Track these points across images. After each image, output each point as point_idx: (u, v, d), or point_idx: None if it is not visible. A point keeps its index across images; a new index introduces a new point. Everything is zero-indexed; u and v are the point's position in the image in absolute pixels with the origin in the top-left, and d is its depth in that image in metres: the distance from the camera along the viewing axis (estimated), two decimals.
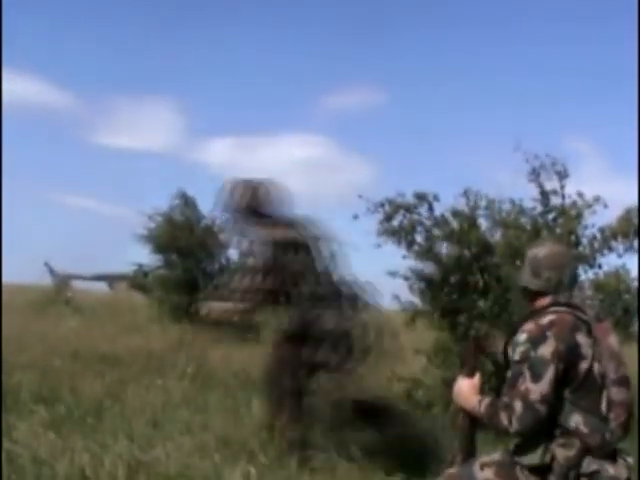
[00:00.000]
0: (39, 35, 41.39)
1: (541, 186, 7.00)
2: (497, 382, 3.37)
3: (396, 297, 7.41)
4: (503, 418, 3.02)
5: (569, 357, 3.04)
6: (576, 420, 3.05)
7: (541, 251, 3.33)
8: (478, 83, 43.91)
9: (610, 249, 7.11)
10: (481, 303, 6.93)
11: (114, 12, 45.05)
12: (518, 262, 6.53)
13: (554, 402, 3.02)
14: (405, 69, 45.03)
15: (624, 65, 41.01)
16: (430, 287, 7.22)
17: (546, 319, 3.12)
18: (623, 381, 3.11)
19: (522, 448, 3.15)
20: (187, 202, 16.68)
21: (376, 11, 45.80)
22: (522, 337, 3.11)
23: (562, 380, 3.03)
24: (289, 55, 45.97)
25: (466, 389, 3.28)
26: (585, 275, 7.21)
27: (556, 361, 3.01)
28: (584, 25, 42.12)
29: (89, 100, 51.75)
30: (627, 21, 37.95)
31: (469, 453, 3.35)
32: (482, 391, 3.27)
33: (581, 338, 3.10)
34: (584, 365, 3.07)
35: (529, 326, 3.12)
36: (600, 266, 7.19)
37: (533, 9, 42.14)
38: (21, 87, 41.71)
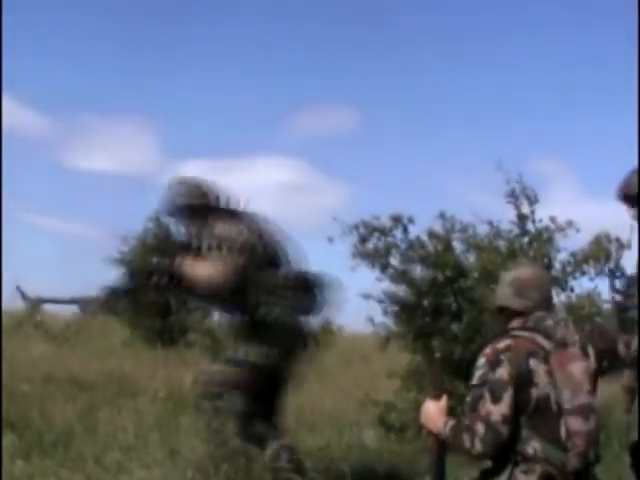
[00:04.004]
0: (10, 56, 41.21)
1: (518, 209, 7.04)
2: None
3: (370, 319, 7.41)
4: (466, 440, 3.04)
5: (520, 382, 3.08)
6: (534, 446, 3.07)
7: (524, 273, 3.40)
8: (451, 105, 44.25)
9: (582, 273, 7.17)
10: (455, 326, 6.95)
11: (87, 33, 44.99)
12: (493, 285, 6.55)
13: (513, 426, 3.05)
14: (378, 91, 45.28)
15: (597, 83, 41.56)
16: (404, 310, 7.21)
17: (503, 343, 3.18)
18: (581, 410, 3.08)
19: (487, 475, 3.17)
20: (161, 225, 16.62)
21: (349, 33, 46.13)
22: (481, 361, 3.17)
23: (516, 404, 3.06)
24: (262, 78, 46.11)
25: (433, 411, 3.30)
26: (557, 298, 7.25)
27: (512, 383, 3.06)
28: (557, 46, 42.70)
29: (62, 121, 51.46)
30: (603, 43, 38.52)
31: (438, 475, 3.36)
32: (451, 414, 3.29)
33: (535, 364, 3.12)
34: (536, 392, 3.09)
35: (487, 350, 3.19)
36: (572, 289, 7.25)
37: (507, 32, 42.65)
38: None
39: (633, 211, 4.51)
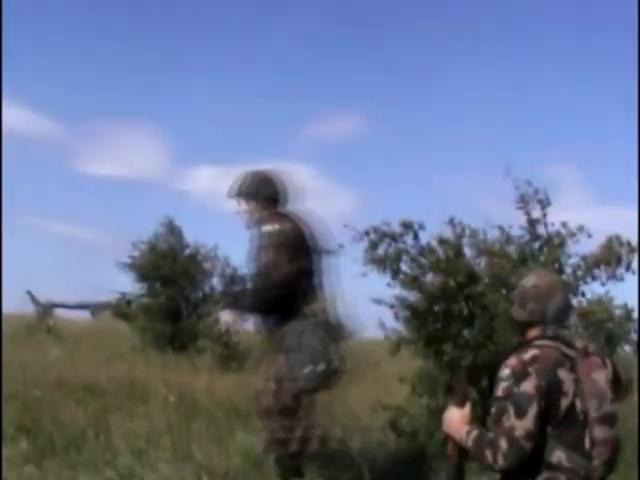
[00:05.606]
0: (23, 64, 41.48)
1: (529, 214, 6.98)
2: (482, 412, 3.36)
3: (381, 324, 7.39)
4: (488, 455, 3.01)
5: (550, 393, 3.04)
6: (559, 455, 3.04)
7: (528, 282, 3.34)
8: (461, 110, 44.22)
9: (593, 277, 7.12)
10: (466, 332, 6.92)
11: (99, 41, 45.19)
12: (504, 290, 6.55)
13: (537, 437, 3.02)
14: (387, 97, 45.30)
15: (609, 91, 41.46)
16: (415, 315, 7.19)
17: (529, 354, 3.12)
18: (606, 419, 3.08)
19: None
20: (172, 230, 16.66)
21: (357, 40, 46.21)
22: (505, 372, 3.10)
23: (544, 416, 3.03)
24: (271, 85, 46.21)
25: (456, 419, 3.27)
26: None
27: (538, 397, 3.01)
28: (570, 55, 42.64)
29: (73, 128, 51.74)
30: (613, 54, 38.47)
31: None
32: (472, 421, 3.26)
33: (563, 374, 3.08)
34: (565, 401, 3.06)
35: (512, 361, 3.12)
36: (584, 294, 7.21)
37: (517, 38, 42.63)
38: (6, 115, 41.80)
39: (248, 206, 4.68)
